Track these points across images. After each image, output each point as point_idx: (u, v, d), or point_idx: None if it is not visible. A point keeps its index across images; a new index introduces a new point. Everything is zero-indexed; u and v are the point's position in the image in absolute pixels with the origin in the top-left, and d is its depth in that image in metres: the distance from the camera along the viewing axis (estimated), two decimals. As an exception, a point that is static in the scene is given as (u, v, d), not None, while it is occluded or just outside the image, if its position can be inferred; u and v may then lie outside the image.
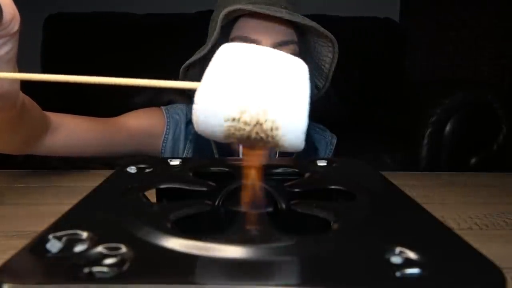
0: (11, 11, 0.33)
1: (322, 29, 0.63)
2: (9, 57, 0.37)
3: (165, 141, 0.75)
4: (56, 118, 0.59)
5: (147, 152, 0.74)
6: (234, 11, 0.60)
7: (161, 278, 0.17)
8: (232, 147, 0.72)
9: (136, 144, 0.71)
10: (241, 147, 0.71)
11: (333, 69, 0.69)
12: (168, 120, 0.75)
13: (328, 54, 0.68)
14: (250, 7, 0.59)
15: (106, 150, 0.68)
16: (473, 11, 1.81)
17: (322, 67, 0.71)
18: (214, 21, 0.66)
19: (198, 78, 0.86)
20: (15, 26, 0.34)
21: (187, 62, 0.65)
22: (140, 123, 0.72)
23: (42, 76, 0.25)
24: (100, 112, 0.71)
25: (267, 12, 0.59)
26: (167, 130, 0.74)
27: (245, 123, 0.24)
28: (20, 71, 0.42)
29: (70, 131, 0.61)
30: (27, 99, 0.49)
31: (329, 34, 0.64)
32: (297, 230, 0.22)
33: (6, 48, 0.36)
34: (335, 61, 0.68)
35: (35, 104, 0.52)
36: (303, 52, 0.67)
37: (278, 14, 0.59)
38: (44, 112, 0.56)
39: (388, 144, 1.40)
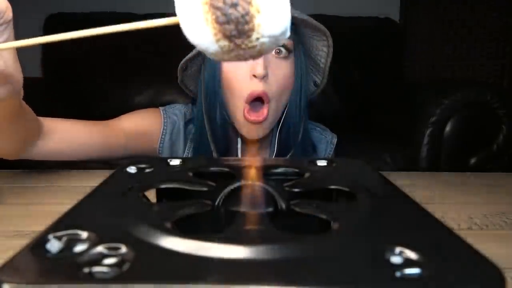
0: (2, 0, 0.36)
1: (314, 22, 0.64)
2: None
3: (162, 142, 0.74)
4: (48, 122, 0.59)
5: (145, 154, 0.74)
6: None
7: (161, 278, 0.17)
8: (230, 146, 0.72)
9: (133, 145, 0.71)
10: (239, 145, 0.71)
11: (329, 63, 0.70)
12: (165, 121, 0.74)
13: (323, 48, 0.69)
14: None
15: (102, 153, 0.67)
16: (473, 11, 1.81)
17: (319, 62, 0.72)
18: None
19: (196, 76, 0.86)
20: (10, 14, 0.38)
21: (184, 59, 0.66)
22: (136, 125, 0.72)
23: (39, 40, 0.27)
24: (100, 113, 0.71)
25: None
26: (164, 131, 0.74)
27: None
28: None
29: (62, 135, 0.61)
30: (22, 101, 0.50)
31: (322, 27, 0.65)
32: (297, 230, 0.22)
33: (5, 35, 0.38)
34: (331, 55, 0.69)
35: (29, 108, 0.53)
36: (298, 46, 0.67)
37: None
38: (37, 117, 0.56)
39: (388, 144, 1.39)
